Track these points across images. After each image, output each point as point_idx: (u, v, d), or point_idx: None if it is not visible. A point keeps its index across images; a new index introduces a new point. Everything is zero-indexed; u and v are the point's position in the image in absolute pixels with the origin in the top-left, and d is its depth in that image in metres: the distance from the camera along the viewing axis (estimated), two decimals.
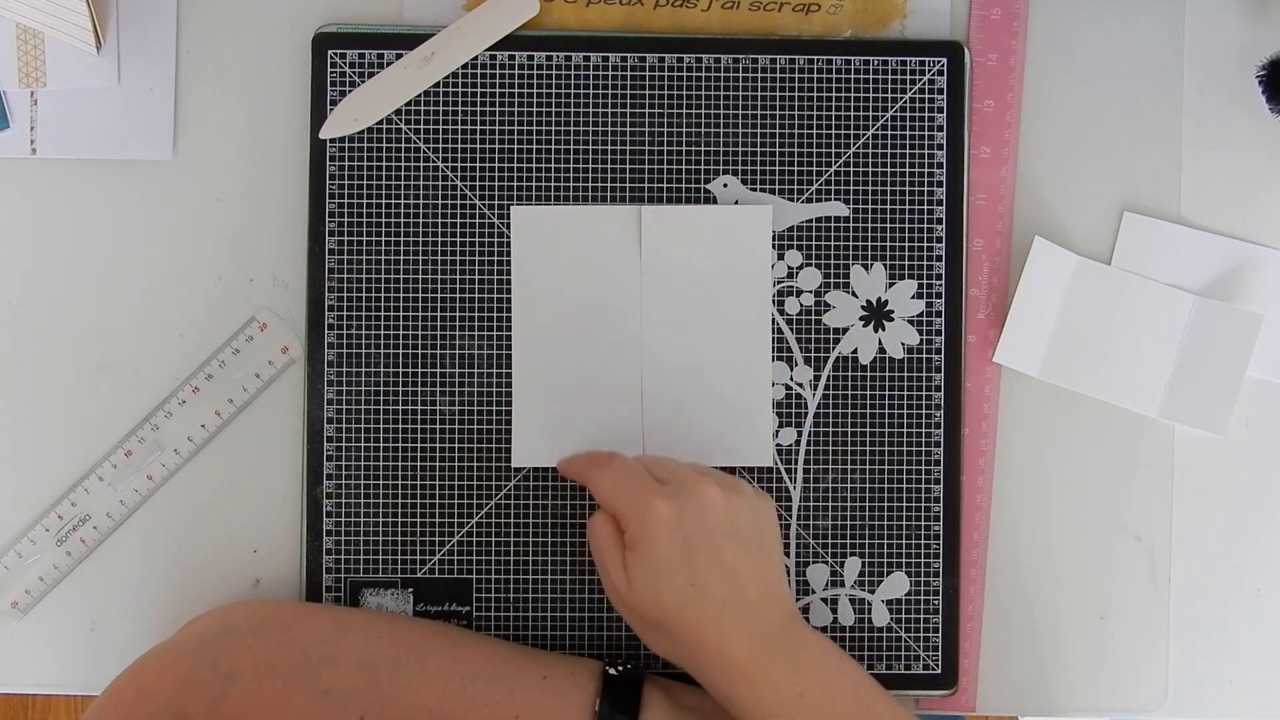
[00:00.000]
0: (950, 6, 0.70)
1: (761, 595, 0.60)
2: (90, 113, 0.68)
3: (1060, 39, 0.70)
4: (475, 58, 0.68)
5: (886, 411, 0.69)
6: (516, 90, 0.69)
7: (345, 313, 0.68)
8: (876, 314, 0.69)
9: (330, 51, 0.68)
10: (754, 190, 0.69)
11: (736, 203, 0.69)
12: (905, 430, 0.69)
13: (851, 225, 0.69)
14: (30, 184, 0.68)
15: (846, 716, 0.59)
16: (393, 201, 0.68)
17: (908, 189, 0.69)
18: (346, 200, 0.68)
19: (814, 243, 0.69)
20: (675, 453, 0.68)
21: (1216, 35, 0.71)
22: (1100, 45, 0.70)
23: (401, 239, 0.68)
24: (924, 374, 0.69)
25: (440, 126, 0.68)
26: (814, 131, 0.69)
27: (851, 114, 0.69)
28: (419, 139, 0.68)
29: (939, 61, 0.69)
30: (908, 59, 0.69)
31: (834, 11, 0.70)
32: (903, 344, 0.69)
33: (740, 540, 0.60)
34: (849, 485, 0.69)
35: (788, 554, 0.68)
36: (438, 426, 0.68)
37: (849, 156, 0.69)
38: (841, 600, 0.68)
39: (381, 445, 0.68)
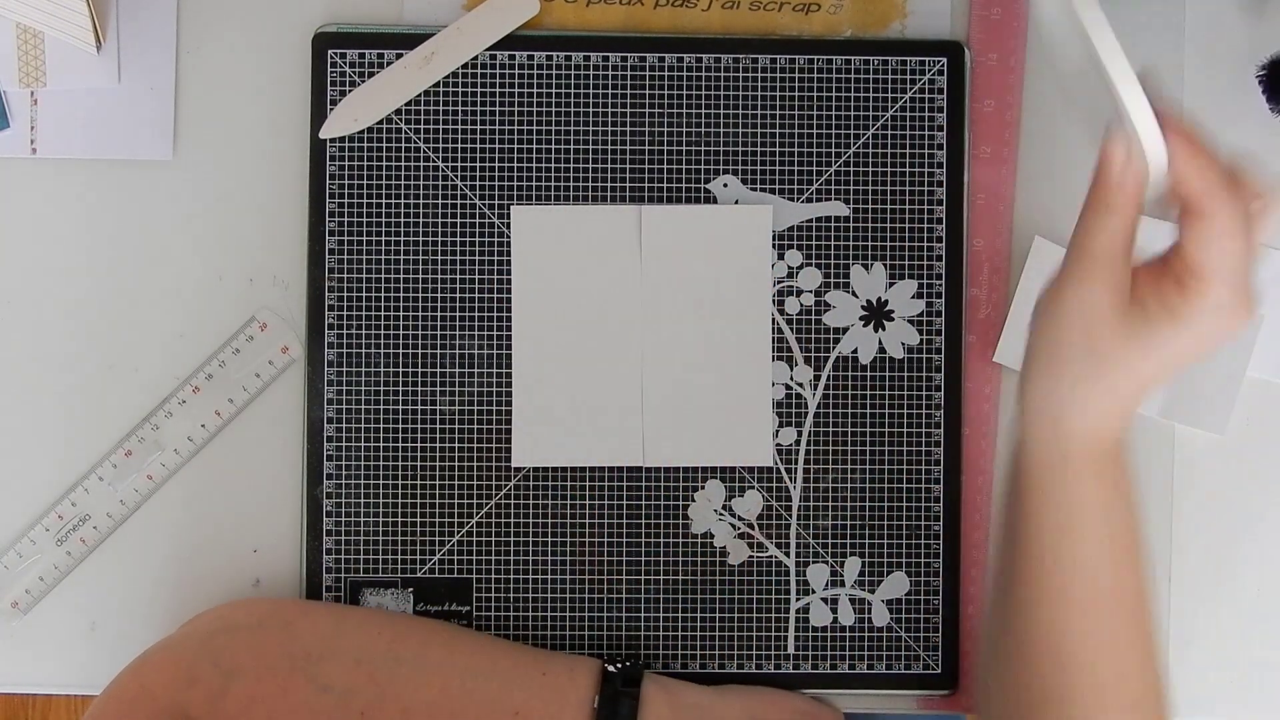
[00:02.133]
0: (950, 6, 0.70)
1: None
2: (90, 113, 0.68)
3: None
4: (475, 58, 0.68)
5: (886, 411, 0.69)
6: (516, 90, 0.69)
7: (345, 313, 0.68)
8: (876, 314, 0.69)
9: (330, 51, 0.68)
10: (754, 190, 0.69)
11: (736, 203, 0.69)
12: (905, 430, 0.69)
13: (851, 225, 0.69)
14: (30, 184, 0.68)
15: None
16: (393, 201, 0.68)
17: (908, 189, 0.69)
18: (346, 200, 0.68)
19: (814, 243, 0.69)
20: (675, 452, 0.68)
21: (1216, 35, 0.70)
22: None
23: (401, 239, 0.68)
24: (924, 374, 0.69)
25: (440, 126, 0.68)
26: (814, 131, 0.69)
27: (851, 114, 0.69)
28: (419, 139, 0.68)
29: (939, 61, 0.69)
30: (908, 59, 0.69)
31: (834, 11, 0.70)
32: (903, 344, 0.69)
33: None
34: (849, 485, 0.69)
35: (786, 553, 0.68)
36: (438, 426, 0.68)
37: (849, 156, 0.69)
38: (842, 600, 0.68)
39: (381, 445, 0.68)
